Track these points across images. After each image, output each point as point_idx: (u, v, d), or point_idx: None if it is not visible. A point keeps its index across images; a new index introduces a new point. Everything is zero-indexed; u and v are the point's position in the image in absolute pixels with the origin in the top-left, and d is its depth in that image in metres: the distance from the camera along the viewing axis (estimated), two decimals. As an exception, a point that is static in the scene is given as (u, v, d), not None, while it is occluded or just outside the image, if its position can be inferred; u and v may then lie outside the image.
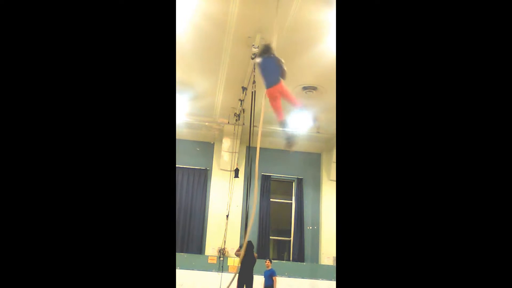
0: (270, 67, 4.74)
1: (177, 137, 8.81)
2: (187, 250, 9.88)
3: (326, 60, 6.99)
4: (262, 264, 8.58)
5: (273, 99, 4.76)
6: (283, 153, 10.82)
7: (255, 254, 7.87)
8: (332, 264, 10.15)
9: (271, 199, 10.70)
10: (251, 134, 6.81)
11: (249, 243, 7.88)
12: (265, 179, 10.72)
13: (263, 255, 9.76)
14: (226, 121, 9.75)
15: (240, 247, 7.89)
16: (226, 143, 10.26)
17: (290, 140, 5.17)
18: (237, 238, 10.05)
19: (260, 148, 4.67)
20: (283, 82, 4.75)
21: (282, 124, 4.98)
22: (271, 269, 8.46)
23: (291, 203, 10.93)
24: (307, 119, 9.23)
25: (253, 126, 7.07)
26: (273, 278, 8.34)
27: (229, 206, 9.30)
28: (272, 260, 9.04)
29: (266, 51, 4.88)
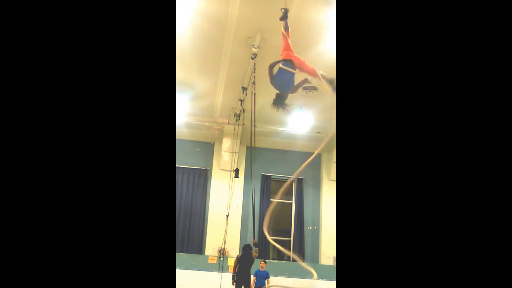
0: (285, 77, 4.76)
1: (177, 137, 8.81)
2: (187, 250, 9.87)
3: (326, 60, 6.98)
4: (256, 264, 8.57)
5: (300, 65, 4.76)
6: (283, 153, 10.82)
7: (255, 254, 7.88)
8: (332, 264, 10.14)
9: (271, 199, 10.70)
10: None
11: (247, 245, 7.90)
12: (265, 179, 10.72)
13: (263, 255, 9.76)
14: (226, 121, 9.75)
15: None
16: (226, 143, 10.25)
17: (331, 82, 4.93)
18: (237, 238, 10.05)
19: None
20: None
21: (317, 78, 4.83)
22: (265, 270, 8.48)
23: (291, 203, 10.92)
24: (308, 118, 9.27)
25: (254, 126, 7.08)
26: (267, 280, 8.38)
27: (229, 206, 9.30)
28: (272, 260, 9.02)
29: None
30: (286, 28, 4.91)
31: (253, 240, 8.20)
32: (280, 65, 4.75)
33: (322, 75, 4.85)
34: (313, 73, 4.80)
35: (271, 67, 5.01)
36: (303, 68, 4.81)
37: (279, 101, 4.86)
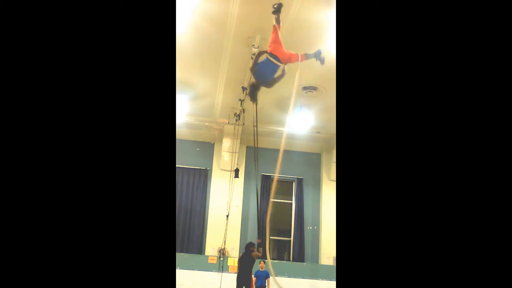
0: (267, 68, 4.84)
1: (177, 137, 8.81)
2: (187, 250, 9.87)
3: (326, 60, 6.98)
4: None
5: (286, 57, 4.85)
6: (283, 153, 10.80)
7: (259, 254, 7.88)
8: (332, 264, 10.14)
9: (271, 199, 10.68)
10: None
11: (249, 244, 7.90)
12: (265, 179, 10.72)
13: (263, 255, 9.77)
14: (226, 121, 9.74)
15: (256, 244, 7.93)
16: (226, 143, 10.25)
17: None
18: (237, 238, 10.05)
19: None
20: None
21: (308, 57, 4.98)
22: (265, 270, 8.49)
23: (291, 203, 10.92)
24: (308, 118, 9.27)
25: (254, 126, 7.08)
26: (267, 279, 8.39)
27: (229, 206, 9.30)
28: (272, 260, 9.00)
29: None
30: (278, 21, 4.98)
31: (257, 240, 8.20)
32: (268, 56, 4.80)
33: (306, 55, 4.97)
34: (297, 59, 4.93)
35: (259, 55, 5.09)
36: (290, 60, 4.92)
37: (253, 92, 4.90)
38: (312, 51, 6.82)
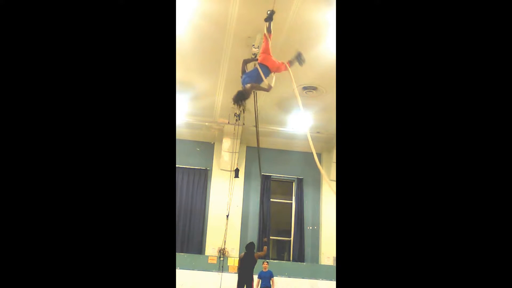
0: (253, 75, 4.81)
1: (177, 137, 8.80)
2: (187, 250, 9.87)
3: (326, 60, 6.98)
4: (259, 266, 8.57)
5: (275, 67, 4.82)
6: (283, 153, 10.82)
7: (261, 254, 7.88)
8: (332, 264, 10.14)
9: (271, 199, 10.70)
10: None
11: (251, 244, 7.90)
12: (265, 179, 10.72)
13: (263, 255, 9.77)
14: (226, 121, 9.74)
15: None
16: (226, 143, 10.25)
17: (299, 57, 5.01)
18: (237, 238, 10.05)
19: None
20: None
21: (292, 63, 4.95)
22: (269, 270, 8.48)
23: (291, 203, 10.92)
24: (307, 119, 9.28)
25: (253, 126, 7.07)
26: (272, 279, 8.37)
27: (229, 206, 9.29)
28: (272, 260, 8.99)
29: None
30: (269, 30, 4.90)
31: (264, 239, 8.19)
32: (258, 67, 4.74)
33: (290, 61, 4.93)
34: (285, 68, 4.89)
35: (246, 62, 5.05)
36: (279, 69, 4.88)
37: (239, 98, 4.81)
38: (312, 51, 6.85)
